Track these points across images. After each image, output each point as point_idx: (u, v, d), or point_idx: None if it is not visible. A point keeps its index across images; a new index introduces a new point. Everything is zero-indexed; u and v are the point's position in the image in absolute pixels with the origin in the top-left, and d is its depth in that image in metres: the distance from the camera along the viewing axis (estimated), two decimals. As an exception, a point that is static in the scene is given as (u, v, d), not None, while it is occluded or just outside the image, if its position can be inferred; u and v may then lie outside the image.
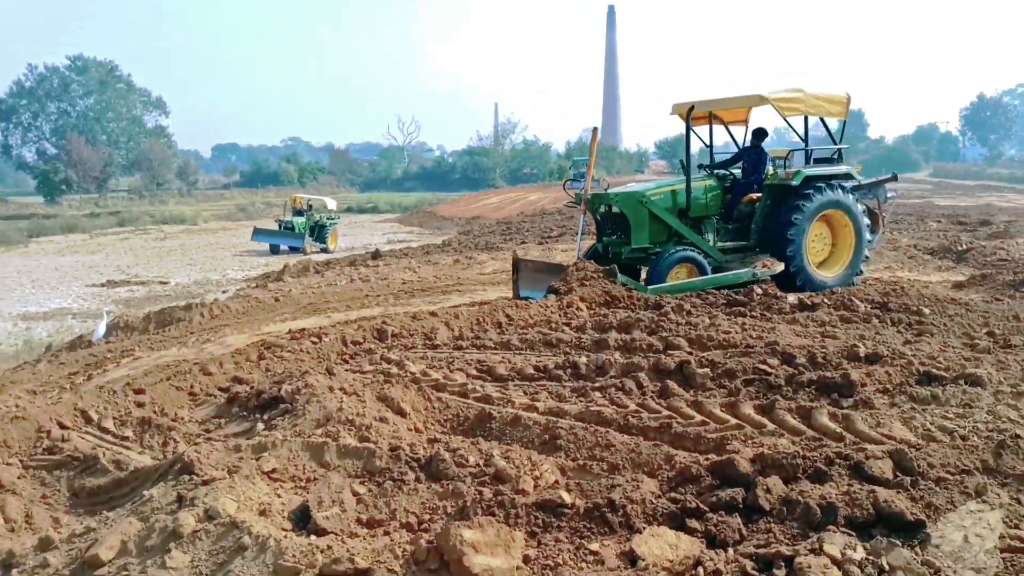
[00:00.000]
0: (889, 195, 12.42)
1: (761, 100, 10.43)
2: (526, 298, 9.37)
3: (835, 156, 11.37)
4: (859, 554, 3.17)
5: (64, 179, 61.31)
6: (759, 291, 8.94)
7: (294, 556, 3.25)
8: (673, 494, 3.86)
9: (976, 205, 35.38)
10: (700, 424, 4.95)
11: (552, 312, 8.21)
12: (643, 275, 10.74)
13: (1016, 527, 3.44)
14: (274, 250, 26.93)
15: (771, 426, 4.85)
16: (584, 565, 3.29)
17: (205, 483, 3.94)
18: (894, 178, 12.86)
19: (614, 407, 5.31)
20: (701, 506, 3.69)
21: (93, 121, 78.18)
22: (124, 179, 78.55)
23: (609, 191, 10.67)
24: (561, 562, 3.30)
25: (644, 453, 4.44)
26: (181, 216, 45.60)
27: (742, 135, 11.70)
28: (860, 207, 10.87)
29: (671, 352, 6.42)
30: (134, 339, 9.77)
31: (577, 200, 10.83)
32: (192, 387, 6.32)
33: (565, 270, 9.72)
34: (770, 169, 11.01)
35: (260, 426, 5.16)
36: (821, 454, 4.07)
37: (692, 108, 10.74)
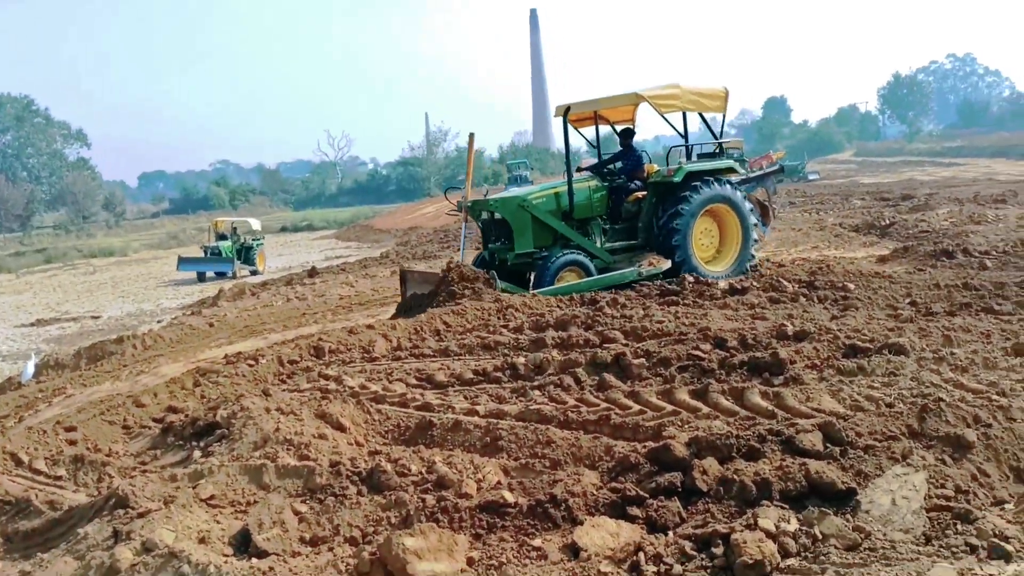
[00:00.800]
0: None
1: (638, 98, 10.52)
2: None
3: (717, 151, 11.47)
4: (793, 525, 3.26)
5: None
6: (691, 279, 9.10)
7: (235, 581, 3.21)
8: (614, 484, 3.92)
9: (899, 180, 36.60)
10: (638, 414, 5.02)
11: (490, 315, 8.23)
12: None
13: (941, 486, 3.56)
14: (201, 278, 26.05)
15: (706, 409, 4.94)
16: (528, 562, 3.32)
17: (141, 515, 3.87)
18: (781, 171, 13.16)
19: (553, 404, 5.36)
20: (641, 493, 3.75)
21: (12, 158, 75.98)
22: (48, 215, 76.40)
23: (489, 197, 10.61)
24: (505, 561, 3.33)
25: (584, 447, 4.49)
26: (110, 248, 44.45)
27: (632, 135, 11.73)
28: (745, 200, 11.00)
29: (607, 345, 6.49)
30: (65, 377, 9.50)
31: (458, 208, 10.75)
32: (126, 420, 6.18)
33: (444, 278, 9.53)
34: (652, 166, 11.12)
35: (197, 454, 5.07)
36: (754, 432, 4.17)
37: (568, 109, 10.81)
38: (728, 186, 10.79)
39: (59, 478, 5.14)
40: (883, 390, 4.90)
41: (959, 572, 2.85)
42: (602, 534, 3.38)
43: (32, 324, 18.64)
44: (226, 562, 3.40)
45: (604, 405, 5.24)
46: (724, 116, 11.48)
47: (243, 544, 3.70)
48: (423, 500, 3.91)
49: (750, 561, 3.00)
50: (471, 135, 11.32)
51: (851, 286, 8.14)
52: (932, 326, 6.29)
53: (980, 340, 5.90)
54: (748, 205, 11.02)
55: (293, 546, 3.67)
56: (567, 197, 10.42)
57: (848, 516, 3.35)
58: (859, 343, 5.71)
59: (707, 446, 4.04)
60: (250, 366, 7.15)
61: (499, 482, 4.17)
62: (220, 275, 26.23)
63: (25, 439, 5.66)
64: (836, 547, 3.11)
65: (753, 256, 11.09)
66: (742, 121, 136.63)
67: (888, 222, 16.40)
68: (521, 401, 5.54)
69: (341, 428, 5.18)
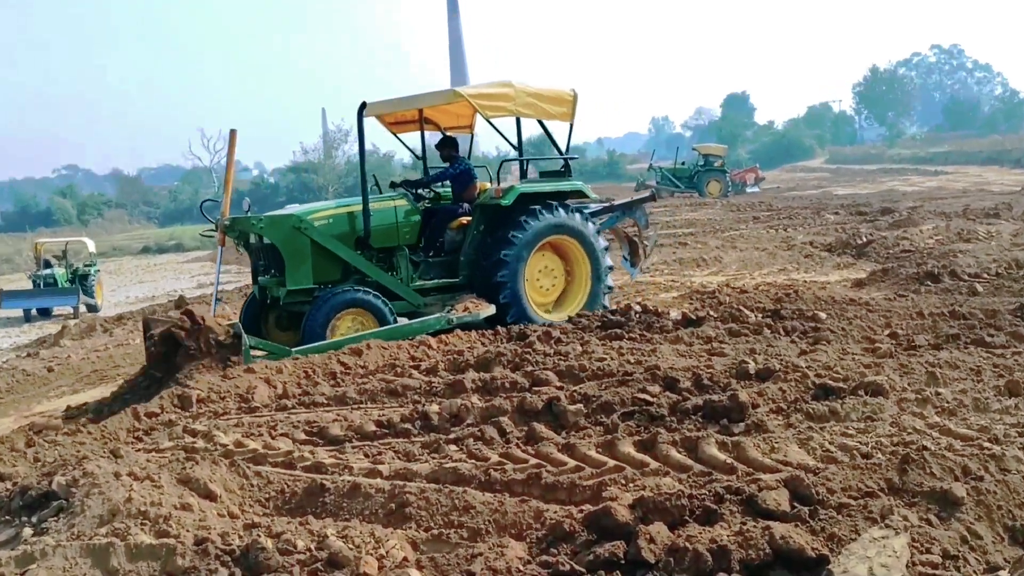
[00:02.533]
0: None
1: (455, 96, 9.87)
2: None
3: (563, 169, 10.96)
4: (754, 602, 3.29)
5: None
6: (637, 308, 9.21)
7: None
8: (544, 557, 3.91)
9: (878, 192, 37.91)
10: (574, 471, 5.02)
11: (397, 353, 8.19)
12: None
13: (926, 551, 3.65)
14: (29, 317, 24.11)
15: (654, 464, 4.98)
16: (438, 656, 3.28)
17: (-48, 613, 3.70)
18: (652, 198, 12.91)
19: (473, 461, 5.33)
20: (576, 568, 3.75)
21: None
22: None
23: (251, 215, 9.64)
24: (410, 656, 3.28)
25: (509, 512, 4.47)
26: (-77, 276, 42.86)
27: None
28: (599, 234, 10.62)
29: (538, 389, 6.50)
30: None
31: (214, 228, 9.62)
32: (-63, 491, 5.92)
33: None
34: (485, 185, 10.66)
35: (27, 532, 4.87)
36: (710, 491, 4.22)
37: (364, 106, 9.82)
38: (576, 215, 10.33)
39: None
40: (859, 438, 5.02)
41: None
42: (529, 619, 3.36)
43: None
44: (60, 669, 3.27)
45: (534, 461, 5.24)
46: (572, 125, 10.80)
47: (83, 645, 3.56)
48: (311, 583, 3.83)
49: (704, 647, 3.02)
50: (232, 132, 10.01)
51: (823, 315, 8.35)
52: (915, 362, 6.48)
53: (970, 378, 6.11)
54: (603, 241, 10.62)
55: (147, 645, 3.55)
56: (364, 219, 9.65)
57: (819, 589, 3.40)
58: (831, 382, 5.85)
59: (655, 508, 4.06)
60: (95, 421, 6.94)
61: (406, 558, 4.12)
62: (43, 312, 24.53)
63: None
64: (805, 626, 3.16)
65: (605, 306, 10.54)
66: (698, 122, 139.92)
67: (865, 240, 16.93)
68: (434, 458, 5.49)
69: (210, 496, 5.05)
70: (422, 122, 11.17)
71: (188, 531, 4.52)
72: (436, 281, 10.11)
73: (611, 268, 10.83)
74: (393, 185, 11.01)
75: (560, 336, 8.28)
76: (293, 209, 10.10)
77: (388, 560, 4.11)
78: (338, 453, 5.78)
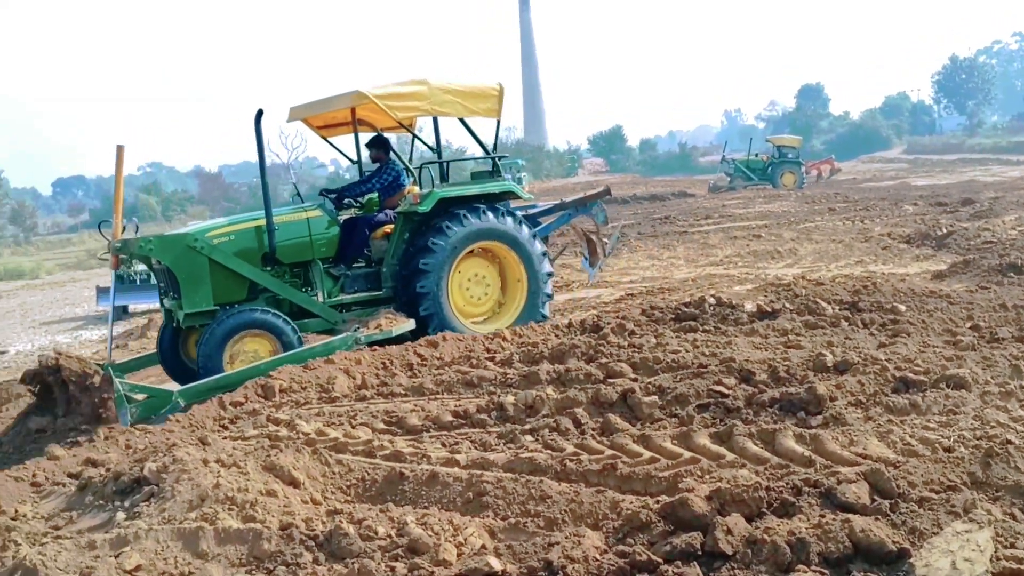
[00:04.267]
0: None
1: (360, 98, 9.23)
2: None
3: (493, 169, 10.38)
4: (834, 595, 3.26)
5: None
6: (712, 300, 9.12)
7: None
8: (621, 547, 3.90)
9: (958, 182, 36.92)
10: (649, 462, 5.01)
11: (472, 344, 8.25)
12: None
13: (1011, 545, 3.57)
14: (123, 314, 22.06)
15: (730, 456, 4.94)
16: (518, 642, 3.30)
17: (52, 592, 3.84)
18: (607, 192, 12.29)
19: (549, 451, 5.35)
20: (653, 557, 3.74)
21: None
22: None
23: (140, 236, 8.75)
24: (490, 641, 3.31)
25: (585, 502, 4.48)
26: (18, 270, 44.18)
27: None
28: (535, 237, 9.98)
29: (612, 381, 6.49)
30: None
31: (108, 250, 8.74)
32: (35, 475, 6.14)
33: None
34: (414, 188, 9.96)
35: (120, 515, 5.03)
36: (788, 483, 4.17)
37: (260, 114, 9.01)
38: (508, 218, 9.73)
39: (-46, 547, 5.09)
40: (940, 431, 4.92)
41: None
42: (607, 607, 3.37)
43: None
44: (154, 647, 3.38)
45: (609, 452, 5.24)
46: (499, 122, 10.22)
47: (175, 624, 3.67)
48: (392, 569, 3.89)
49: (784, 638, 3.00)
50: (119, 148, 9.10)
51: (902, 308, 8.18)
52: (998, 354, 6.32)
53: (1055, 371, 5.93)
54: (540, 246, 10.03)
55: (236, 626, 3.65)
56: (268, 233, 9.02)
57: (900, 582, 3.35)
58: (912, 375, 5.73)
59: (732, 500, 4.03)
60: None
61: (483, 546, 4.16)
62: (124, 310, 22.56)
63: (-87, 500, 5.61)
64: (886, 620, 3.11)
65: (544, 315, 10.08)
66: (771, 113, 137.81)
67: (945, 231, 16.53)
68: (510, 448, 5.53)
69: (294, 483, 5.16)
70: (355, 123, 10.43)
71: (273, 516, 4.62)
72: (357, 295, 9.55)
73: (550, 275, 10.20)
74: (323, 193, 10.34)
75: (634, 328, 8.25)
76: (189, 228, 9.46)
77: (466, 547, 4.16)
78: (416, 442, 5.85)
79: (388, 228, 9.76)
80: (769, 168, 43.20)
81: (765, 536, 3.68)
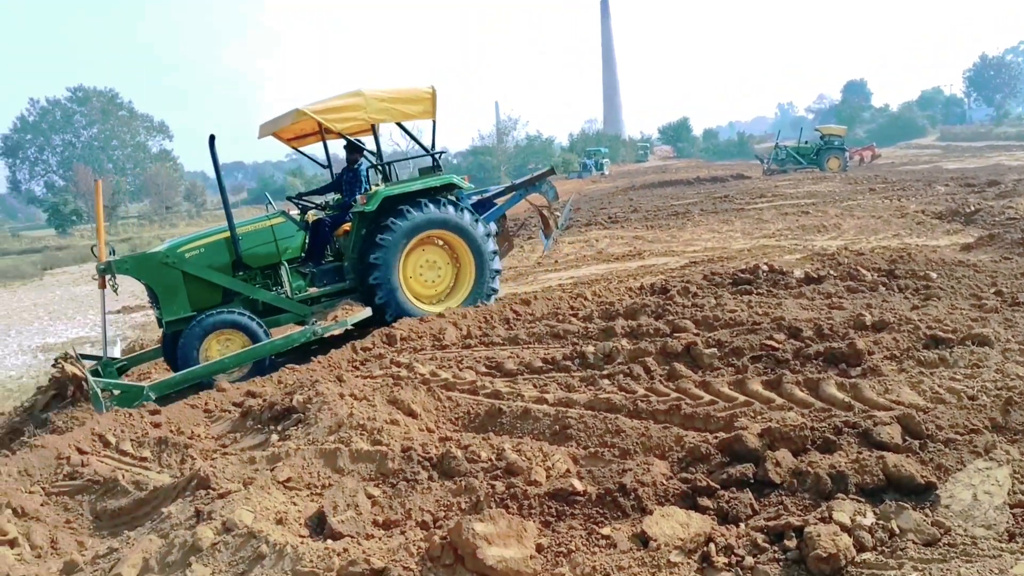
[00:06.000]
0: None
1: (300, 115, 8.72)
2: None
3: (434, 165, 9.78)
4: (869, 519, 3.19)
5: (74, 210, 61.74)
6: (765, 267, 8.92)
7: (311, 561, 3.31)
8: (684, 474, 3.89)
9: (985, 166, 35.17)
10: (709, 404, 4.97)
11: (559, 303, 8.25)
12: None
13: (1027, 482, 3.44)
14: None
15: (779, 400, 4.87)
16: (597, 550, 3.32)
17: (221, 496, 4.01)
18: (551, 172, 11.52)
19: (623, 393, 5.34)
20: (712, 484, 3.72)
21: (98, 150, 78.85)
22: (133, 205, 79.15)
23: (115, 258, 8.19)
24: (574, 548, 3.34)
25: (654, 436, 4.47)
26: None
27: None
28: (472, 218, 9.40)
29: (678, 335, 6.42)
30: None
31: (99, 269, 8.17)
32: (207, 404, 6.40)
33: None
34: (376, 187, 9.29)
35: (274, 437, 5.22)
36: (830, 424, 4.09)
37: (213, 139, 8.52)
38: (449, 207, 9.24)
39: (144, 459, 5.35)
40: (965, 382, 4.75)
41: (1045, 571, 2.75)
42: (672, 524, 3.36)
43: (119, 311, 19.36)
44: (302, 543, 3.50)
45: (674, 395, 5.21)
46: (435, 122, 9.61)
47: (319, 526, 3.80)
48: (493, 486, 3.95)
49: (824, 554, 2.95)
50: (96, 182, 9.13)
51: (933, 275, 7.88)
52: (1018, 316, 6.07)
53: (1072, 331, 5.66)
54: (483, 228, 9.49)
55: (367, 529, 3.75)
56: (233, 244, 8.66)
57: (927, 511, 3.26)
58: (941, 334, 5.54)
59: (781, 437, 3.97)
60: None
61: (568, 470, 4.18)
62: None
63: (113, 421, 5.90)
64: (914, 542, 3.04)
65: (494, 290, 9.61)
66: (820, 105, 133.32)
67: (973, 209, 15.80)
68: (590, 390, 5.54)
69: (412, 414, 5.27)
70: (323, 133, 9.91)
71: (396, 441, 4.73)
72: (324, 288, 9.11)
73: (495, 253, 9.66)
74: (293, 198, 10.07)
75: (696, 291, 8.14)
76: (167, 244, 8.83)
77: (553, 471, 4.19)
78: (512, 383, 5.90)
79: (346, 226, 9.39)
80: (817, 153, 41.80)
81: (809, 468, 3.62)
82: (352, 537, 3.64)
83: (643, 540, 3.30)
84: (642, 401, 5.08)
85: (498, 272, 9.68)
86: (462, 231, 9.28)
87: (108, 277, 8.00)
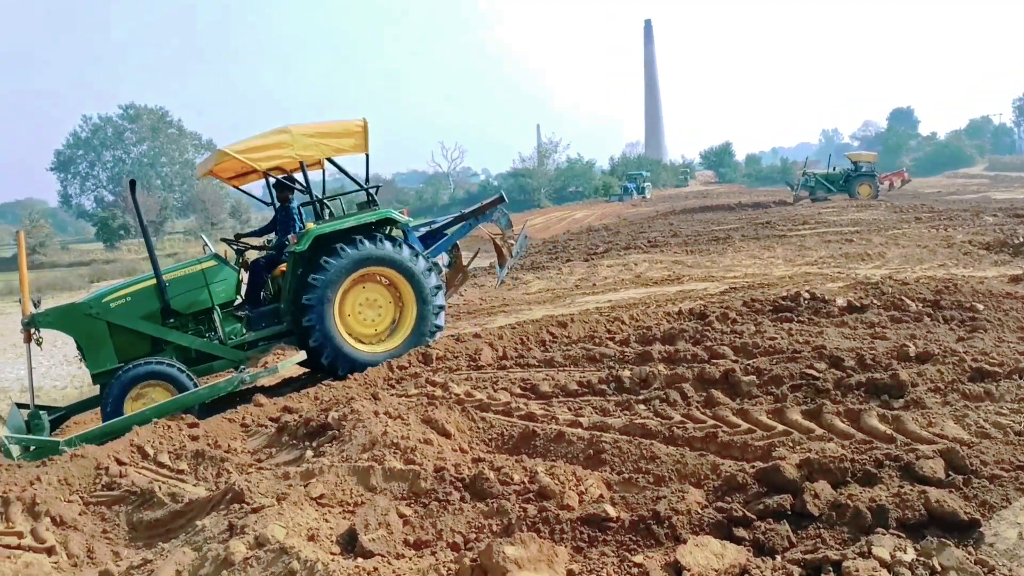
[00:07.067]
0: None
1: (223, 156, 8.33)
2: None
3: (369, 200, 9.38)
4: (909, 555, 3.11)
5: (122, 224, 63.13)
6: (806, 295, 8.80)
7: (341, 579, 3.30)
8: (719, 503, 3.83)
9: (1035, 196, 34.43)
10: (746, 432, 4.89)
11: (596, 326, 8.21)
12: None
13: (1076, 522, 3.33)
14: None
15: (819, 431, 4.78)
16: (628, 577, 3.28)
17: (255, 511, 4.03)
18: (501, 200, 10.99)
19: (659, 419, 5.29)
20: (748, 514, 3.65)
21: (148, 167, 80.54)
22: (179, 221, 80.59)
23: (37, 311, 7.84)
24: (605, 575, 3.30)
25: (689, 463, 4.41)
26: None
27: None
28: (410, 254, 8.81)
29: (716, 361, 6.35)
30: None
31: (23, 323, 7.76)
32: (244, 418, 6.47)
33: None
34: (310, 225, 8.74)
35: (309, 453, 5.25)
36: (870, 456, 4.00)
37: (133, 183, 8.41)
38: (386, 243, 8.70)
39: (181, 471, 5.42)
40: (1012, 417, 4.63)
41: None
42: (706, 554, 3.31)
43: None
44: (333, 560, 3.50)
45: (711, 422, 5.14)
46: (368, 156, 9.15)
47: (350, 543, 3.80)
48: (524, 509, 3.92)
49: (862, 590, 2.88)
50: (18, 233, 8.76)
51: (980, 307, 7.70)
52: (1069, 351, 5.89)
53: (1125, 368, 5.48)
54: (423, 263, 8.91)
55: (397, 548, 3.75)
56: (171, 288, 8.22)
57: (970, 548, 3.17)
58: (987, 367, 5.40)
59: (820, 469, 3.90)
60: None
61: (601, 495, 4.14)
62: None
63: (151, 433, 5.98)
64: (957, 581, 2.95)
65: (438, 327, 8.96)
66: (865, 133, 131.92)
67: (1022, 240, 15.47)
68: (626, 415, 5.49)
69: (446, 434, 5.26)
70: (264, 171, 9.18)
71: (429, 460, 4.73)
72: (261, 332, 8.59)
73: (439, 287, 9.06)
74: (231, 240, 9.70)
75: (736, 317, 8.04)
76: (90, 294, 8.57)
77: (587, 496, 4.15)
78: (546, 406, 5.88)
79: (282, 267, 8.95)
80: (846, 180, 41.29)
81: (848, 501, 3.55)
82: (383, 556, 3.64)
83: (676, 569, 3.24)
84: (678, 427, 5.02)
85: (442, 308, 9.09)
86: (400, 267, 8.73)
87: (32, 331, 7.61)
